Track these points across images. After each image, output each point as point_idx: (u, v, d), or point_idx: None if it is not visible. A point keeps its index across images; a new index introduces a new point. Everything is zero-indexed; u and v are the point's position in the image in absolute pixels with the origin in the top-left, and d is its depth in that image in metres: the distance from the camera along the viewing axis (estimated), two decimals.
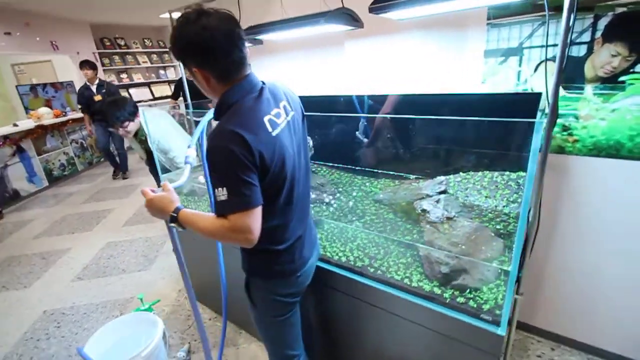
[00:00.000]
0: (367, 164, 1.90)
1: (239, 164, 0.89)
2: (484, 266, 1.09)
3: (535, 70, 1.51)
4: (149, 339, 1.63)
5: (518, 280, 1.27)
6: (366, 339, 1.38)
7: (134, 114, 2.17)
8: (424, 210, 1.32)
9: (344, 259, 1.36)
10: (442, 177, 1.56)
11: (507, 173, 1.52)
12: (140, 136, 2.27)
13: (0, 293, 2.68)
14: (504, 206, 1.39)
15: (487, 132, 1.45)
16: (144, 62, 6.73)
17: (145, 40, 6.87)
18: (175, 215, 1.02)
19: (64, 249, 3.29)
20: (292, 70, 2.36)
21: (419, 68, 1.81)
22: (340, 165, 2.01)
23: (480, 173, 1.52)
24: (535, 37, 1.47)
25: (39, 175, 4.91)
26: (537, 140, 0.90)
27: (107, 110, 2.14)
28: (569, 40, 1.04)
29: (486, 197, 1.38)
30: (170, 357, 1.94)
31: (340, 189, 1.77)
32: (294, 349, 1.27)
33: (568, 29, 0.90)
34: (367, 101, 2.03)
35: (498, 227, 1.25)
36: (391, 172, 1.81)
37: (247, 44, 1.03)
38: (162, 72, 7.09)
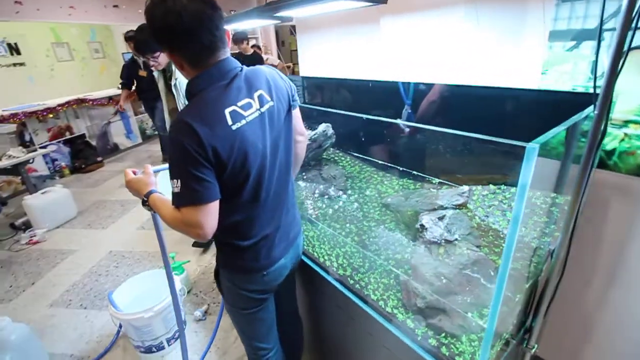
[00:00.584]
0: (393, 160, 1.71)
1: (191, 158, 0.85)
2: (459, 312, 0.89)
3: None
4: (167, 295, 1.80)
5: (529, 330, 1.04)
6: (344, 343, 1.30)
7: None
8: (422, 226, 1.13)
9: (327, 264, 1.27)
10: (466, 188, 1.31)
11: (554, 195, 1.20)
12: (168, 72, 2.14)
13: (86, 230, 3.26)
14: (533, 238, 1.11)
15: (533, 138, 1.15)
16: None
17: (232, 12, 7.20)
18: (146, 198, 1.05)
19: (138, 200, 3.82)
20: (326, 50, 2.19)
21: (464, 52, 1.49)
22: (366, 157, 1.85)
23: (514, 189, 1.23)
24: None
25: (134, 133, 5.72)
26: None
27: (139, 36, 1.94)
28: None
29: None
30: (188, 314, 2.14)
31: (354, 185, 1.63)
32: (264, 342, 1.26)
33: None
34: (413, 89, 1.79)
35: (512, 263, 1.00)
36: (414, 172, 1.59)
37: (225, 26, 0.96)
38: None
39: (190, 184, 0.87)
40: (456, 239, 1.06)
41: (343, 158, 1.89)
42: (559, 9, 1.18)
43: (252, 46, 4.42)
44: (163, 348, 1.87)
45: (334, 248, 1.31)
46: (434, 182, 1.49)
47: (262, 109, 0.99)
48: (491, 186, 1.30)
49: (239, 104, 0.94)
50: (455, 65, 1.53)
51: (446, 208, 1.25)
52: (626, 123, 1.13)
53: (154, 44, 1.90)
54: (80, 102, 4.74)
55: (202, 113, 0.88)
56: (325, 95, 2.40)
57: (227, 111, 0.90)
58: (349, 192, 1.58)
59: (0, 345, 1.62)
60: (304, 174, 1.70)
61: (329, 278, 1.24)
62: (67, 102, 4.52)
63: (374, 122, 1.84)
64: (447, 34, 1.53)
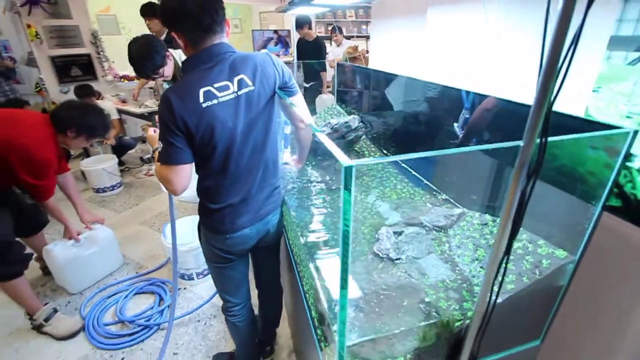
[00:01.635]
0: (415, 166, 1.58)
1: (166, 126, 1.04)
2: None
3: None
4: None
5: None
6: None
7: (164, 56, 1.78)
8: (377, 237, 1.06)
9: (294, 250, 1.32)
10: (458, 211, 1.15)
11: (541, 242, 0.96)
12: (179, 75, 2.00)
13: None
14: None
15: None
16: (350, 15, 7.23)
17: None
18: (153, 151, 1.30)
19: None
20: (395, 41, 2.04)
21: (510, 58, 1.23)
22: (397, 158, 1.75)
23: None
24: None
25: None
26: None
27: (138, 64, 1.72)
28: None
29: (475, 259, 0.94)
30: None
31: (362, 182, 1.58)
32: (231, 296, 1.42)
33: None
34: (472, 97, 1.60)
35: (438, 304, 0.86)
36: (425, 181, 1.45)
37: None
38: (364, 27, 7.43)
39: (166, 147, 1.06)
40: (400, 259, 0.97)
41: (372, 154, 1.83)
42: (627, 7, 0.88)
43: (332, 29, 4.24)
44: (192, 279, 2.26)
45: (299, 234, 1.33)
46: (438, 197, 1.33)
47: (240, 92, 1.09)
48: (487, 216, 1.09)
49: (216, 85, 1.05)
50: (499, 72, 1.29)
51: (425, 226, 1.13)
52: None
53: (156, 62, 1.77)
54: None
55: (179, 90, 1.04)
56: (386, 90, 2.31)
57: (201, 90, 1.03)
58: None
59: (92, 239, 2.25)
60: (322, 161, 1.74)
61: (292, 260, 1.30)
62: None
63: (409, 122, 1.73)
64: (487, 33, 1.29)
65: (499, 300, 0.79)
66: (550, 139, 0.55)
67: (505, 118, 1.29)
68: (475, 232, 1.03)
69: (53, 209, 1.82)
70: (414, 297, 0.86)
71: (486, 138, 1.33)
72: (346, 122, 1.64)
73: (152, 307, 2.09)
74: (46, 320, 1.90)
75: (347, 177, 0.53)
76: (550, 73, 0.51)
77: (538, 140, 0.56)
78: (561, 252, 0.86)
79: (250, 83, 1.10)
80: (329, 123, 1.67)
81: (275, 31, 6.85)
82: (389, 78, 1.94)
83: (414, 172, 1.55)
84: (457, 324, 0.80)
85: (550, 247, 0.88)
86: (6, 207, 1.77)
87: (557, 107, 1.03)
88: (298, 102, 1.31)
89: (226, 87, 1.07)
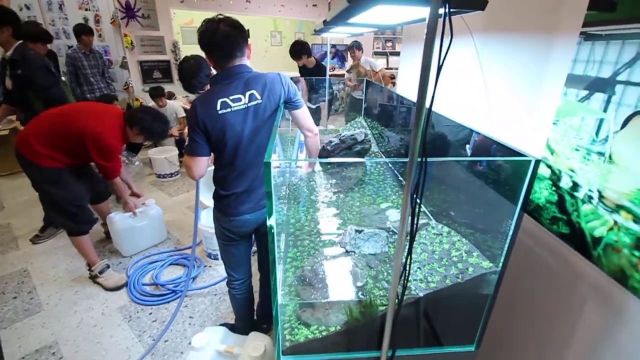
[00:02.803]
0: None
1: (191, 125, 1.35)
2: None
3: (625, 124, 0.84)
4: None
5: None
6: None
7: (209, 74, 1.96)
8: (343, 233, 1.24)
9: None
10: (424, 221, 1.27)
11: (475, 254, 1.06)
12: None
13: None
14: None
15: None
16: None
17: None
18: None
19: None
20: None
21: (478, 85, 1.31)
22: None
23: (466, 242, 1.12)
24: None
25: None
26: None
27: (186, 81, 1.95)
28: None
29: (416, 261, 1.07)
30: None
31: (362, 189, 1.75)
32: (232, 271, 1.68)
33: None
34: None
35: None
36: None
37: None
38: None
39: (190, 141, 1.37)
40: (353, 252, 1.14)
41: (381, 166, 1.98)
42: (581, 49, 0.95)
43: (351, 47, 4.29)
44: (217, 259, 2.59)
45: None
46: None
47: (249, 104, 1.36)
48: (445, 228, 1.20)
49: (231, 97, 1.34)
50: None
51: (390, 229, 1.27)
52: (618, 208, 0.85)
53: (194, 82, 2.01)
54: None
55: (203, 99, 1.35)
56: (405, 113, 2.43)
57: (219, 101, 1.33)
58: (350, 193, 1.72)
59: (144, 214, 2.71)
60: (329, 167, 1.94)
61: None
62: None
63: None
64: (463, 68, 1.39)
65: (421, 294, 0.93)
66: (431, 159, 0.70)
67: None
68: (427, 240, 1.15)
69: (118, 187, 2.28)
70: (353, 282, 1.02)
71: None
72: (352, 135, 1.82)
73: (180, 277, 2.45)
74: (100, 272, 2.36)
75: (266, 171, 0.74)
76: (422, 104, 0.67)
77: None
78: (487, 263, 0.95)
79: (259, 97, 1.37)
80: (340, 134, 1.87)
81: (334, 45, 7.22)
82: (407, 102, 2.09)
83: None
84: (381, 308, 0.95)
85: (481, 259, 0.97)
86: (83, 178, 2.26)
87: (519, 136, 1.13)
88: (303, 113, 1.55)
89: (239, 99, 1.35)
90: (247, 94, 1.36)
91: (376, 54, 6.92)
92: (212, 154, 1.43)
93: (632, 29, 0.81)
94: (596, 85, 0.91)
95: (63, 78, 3.72)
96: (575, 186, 0.99)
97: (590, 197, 0.93)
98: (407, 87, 2.30)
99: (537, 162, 0.78)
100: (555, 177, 1.05)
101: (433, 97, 0.68)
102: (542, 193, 1.10)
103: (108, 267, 2.42)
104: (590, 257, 0.94)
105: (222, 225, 1.55)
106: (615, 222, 0.86)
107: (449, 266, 1.00)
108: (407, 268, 0.82)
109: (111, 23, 4.57)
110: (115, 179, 2.21)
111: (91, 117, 1.99)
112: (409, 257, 0.81)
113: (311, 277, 1.06)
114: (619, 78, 0.85)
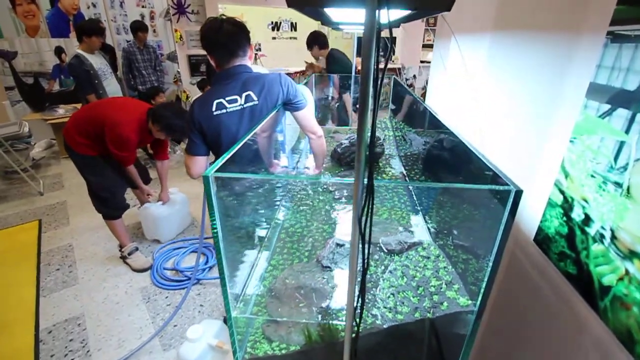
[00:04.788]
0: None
1: (189, 125, 1.38)
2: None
3: None
4: None
5: None
6: None
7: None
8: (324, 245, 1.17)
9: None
10: (416, 239, 1.16)
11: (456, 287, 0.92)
12: None
13: None
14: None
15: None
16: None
17: None
18: None
19: None
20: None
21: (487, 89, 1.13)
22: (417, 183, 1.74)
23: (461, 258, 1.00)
24: None
25: None
26: None
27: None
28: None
29: (392, 286, 0.96)
30: None
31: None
32: None
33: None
34: None
35: None
36: (419, 209, 1.44)
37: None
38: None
39: (189, 141, 1.39)
40: (329, 267, 1.07)
41: (393, 171, 1.86)
42: (607, 52, 0.77)
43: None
44: None
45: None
46: (414, 223, 1.33)
47: (245, 105, 1.35)
48: (435, 251, 1.07)
49: (227, 98, 1.33)
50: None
51: (378, 246, 1.18)
52: (632, 255, 0.69)
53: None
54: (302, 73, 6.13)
55: (201, 100, 1.36)
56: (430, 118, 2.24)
57: (215, 102, 1.33)
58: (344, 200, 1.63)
59: (172, 201, 2.86)
60: (337, 171, 1.86)
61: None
62: (297, 72, 6.00)
63: (442, 149, 1.71)
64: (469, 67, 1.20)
65: (385, 325, 0.84)
66: (381, 182, 0.61)
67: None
68: (412, 263, 1.03)
69: (131, 174, 2.41)
70: (320, 301, 0.96)
71: None
72: None
73: (199, 265, 2.56)
74: (129, 254, 2.55)
75: (206, 184, 0.70)
76: (363, 120, 0.58)
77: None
78: (465, 300, 0.82)
79: (255, 99, 1.34)
80: (351, 136, 1.78)
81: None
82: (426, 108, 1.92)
83: (414, 196, 1.54)
84: (342, 334, 0.88)
85: (461, 293, 0.84)
86: (118, 166, 2.41)
87: (532, 152, 0.97)
88: (305, 115, 1.49)
89: (235, 100, 1.33)
90: (244, 95, 1.34)
91: (425, 46, 6.54)
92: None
93: None
94: (620, 98, 0.73)
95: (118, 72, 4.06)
96: (587, 220, 0.81)
97: (602, 236, 0.76)
98: (437, 91, 2.12)
99: (518, 193, 0.65)
100: (567, 206, 0.88)
101: (375, 111, 0.59)
102: (553, 222, 0.93)
103: (137, 249, 2.60)
104: (597, 307, 0.77)
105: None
106: (627, 272, 0.69)
107: (424, 297, 0.89)
108: (361, 302, 0.74)
109: (163, 18, 4.85)
110: (128, 167, 2.34)
111: (115, 109, 2.13)
112: (362, 295, 0.73)
113: (280, 290, 1.02)
114: None
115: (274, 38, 6.99)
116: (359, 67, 0.54)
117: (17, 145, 4.36)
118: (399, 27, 0.95)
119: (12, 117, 4.78)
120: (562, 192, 0.90)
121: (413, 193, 1.58)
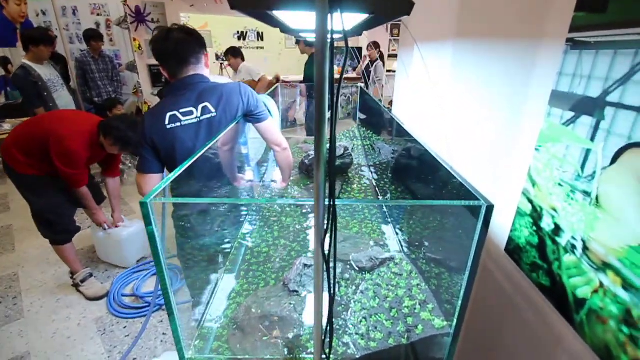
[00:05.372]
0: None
1: (140, 141, 1.25)
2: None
3: (615, 159, 0.64)
4: None
5: None
6: None
7: None
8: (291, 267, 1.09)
9: None
10: (388, 255, 1.10)
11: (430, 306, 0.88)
12: None
13: None
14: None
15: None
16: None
17: None
18: None
19: None
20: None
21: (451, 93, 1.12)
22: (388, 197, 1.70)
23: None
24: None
25: None
26: None
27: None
28: None
29: (364, 309, 0.90)
30: None
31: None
32: None
33: None
34: None
35: None
36: (390, 222, 1.40)
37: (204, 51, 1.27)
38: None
39: (140, 158, 1.27)
40: (296, 292, 0.99)
41: (365, 185, 1.81)
42: (567, 59, 0.76)
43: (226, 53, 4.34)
44: None
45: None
46: (386, 237, 1.28)
47: (202, 117, 1.25)
48: (408, 267, 1.02)
49: (181, 110, 1.23)
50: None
51: (349, 263, 1.11)
52: (605, 267, 0.66)
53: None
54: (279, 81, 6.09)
55: (153, 112, 1.25)
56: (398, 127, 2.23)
57: (168, 114, 1.22)
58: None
59: (132, 221, 2.66)
60: (305, 184, 1.79)
61: None
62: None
63: (410, 158, 1.68)
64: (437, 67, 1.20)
65: (357, 355, 0.77)
66: (344, 201, 0.55)
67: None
68: (384, 282, 0.98)
69: (84, 197, 2.15)
70: (285, 331, 0.87)
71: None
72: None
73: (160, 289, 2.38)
74: (82, 281, 2.32)
75: (144, 211, 0.61)
76: (321, 134, 0.52)
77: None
78: (441, 321, 0.77)
79: (212, 110, 1.25)
80: None
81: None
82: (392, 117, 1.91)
83: (384, 208, 1.50)
84: None
85: (435, 314, 0.79)
86: (59, 185, 2.11)
87: (498, 161, 0.94)
88: (268, 127, 1.42)
89: (190, 113, 1.23)
90: (200, 106, 1.24)
91: (390, 56, 6.69)
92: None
93: (625, 34, 0.62)
94: (583, 106, 0.72)
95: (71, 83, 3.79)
96: (557, 229, 0.79)
97: (574, 247, 0.74)
98: (402, 99, 2.12)
99: (489, 207, 0.61)
100: (536, 215, 0.86)
101: (333, 124, 0.53)
102: (523, 232, 0.91)
103: (91, 275, 2.38)
104: (572, 321, 0.74)
105: (180, 247, 1.44)
106: (602, 284, 0.67)
107: (398, 320, 0.83)
108: (330, 332, 0.67)
109: (117, 25, 4.62)
110: (79, 189, 2.09)
111: (60, 121, 1.94)
112: (330, 325, 0.65)
113: (244, 321, 0.93)
114: (609, 99, 0.66)
115: (240, 47, 6.88)
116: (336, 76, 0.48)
117: None
118: (360, 34, 0.90)
119: None
120: (530, 201, 0.88)
121: (384, 205, 1.53)
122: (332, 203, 0.56)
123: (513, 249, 0.95)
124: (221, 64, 6.50)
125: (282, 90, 3.14)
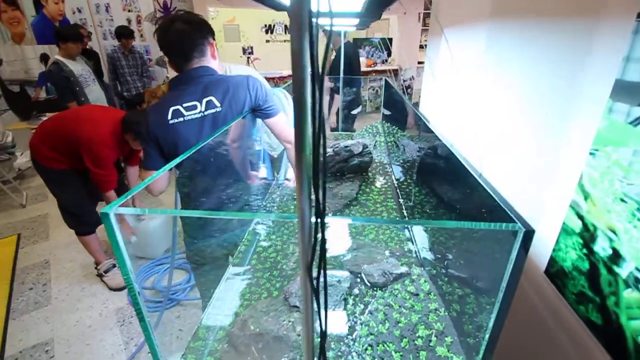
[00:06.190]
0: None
1: (145, 137, 1.20)
2: None
3: None
4: None
5: None
6: None
7: None
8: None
9: None
10: (404, 270, 0.98)
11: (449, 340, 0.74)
12: None
13: None
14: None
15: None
16: None
17: None
18: None
19: None
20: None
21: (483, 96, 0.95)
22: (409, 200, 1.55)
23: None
24: None
25: None
26: None
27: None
28: None
29: (371, 334, 0.78)
30: None
31: (349, 211, 1.47)
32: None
33: None
34: None
35: None
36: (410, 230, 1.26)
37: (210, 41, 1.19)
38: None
39: (144, 154, 1.23)
40: (297, 308, 0.89)
41: (385, 186, 1.67)
42: (638, 40, 0.59)
43: None
44: None
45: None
46: (405, 247, 1.14)
47: (206, 112, 1.18)
48: (426, 286, 0.89)
49: (185, 105, 1.16)
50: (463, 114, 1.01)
51: (360, 277, 1.00)
52: None
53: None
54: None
55: (156, 106, 1.19)
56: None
57: (171, 109, 1.16)
58: (336, 215, 1.45)
59: (152, 217, 2.69)
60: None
61: None
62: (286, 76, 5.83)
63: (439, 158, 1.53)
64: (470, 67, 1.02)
65: None
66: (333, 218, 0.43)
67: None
68: (397, 302, 0.85)
69: (109, 200, 2.09)
70: (281, 354, 0.78)
71: None
72: (347, 147, 1.54)
73: (180, 283, 2.38)
74: (105, 272, 2.38)
75: (106, 222, 0.53)
76: (301, 136, 0.41)
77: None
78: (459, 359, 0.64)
79: (218, 104, 1.17)
80: (335, 145, 1.61)
81: (368, 38, 6.91)
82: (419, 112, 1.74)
83: (404, 210, 1.36)
84: None
85: (454, 350, 0.66)
86: (81, 180, 2.12)
87: (539, 167, 0.79)
88: (278, 122, 1.32)
89: (194, 107, 1.16)
90: (204, 100, 1.17)
91: (422, 47, 6.36)
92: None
93: None
94: None
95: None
96: (616, 256, 0.63)
97: (638, 281, 0.58)
98: (430, 93, 1.94)
99: (529, 233, 0.47)
100: (588, 235, 0.70)
101: (321, 121, 0.42)
102: (569, 254, 0.75)
103: (114, 266, 2.43)
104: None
105: (188, 248, 1.40)
106: None
107: (409, 354, 0.70)
108: None
109: (149, 22, 4.71)
110: (108, 193, 2.06)
111: (87, 124, 1.94)
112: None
113: (238, 337, 0.85)
114: None
115: (267, 41, 6.85)
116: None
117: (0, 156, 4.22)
118: (368, 26, 0.77)
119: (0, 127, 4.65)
120: (580, 217, 0.72)
121: (403, 207, 1.39)
122: (320, 220, 0.45)
123: (555, 272, 0.79)
124: (248, 57, 6.52)
125: None
